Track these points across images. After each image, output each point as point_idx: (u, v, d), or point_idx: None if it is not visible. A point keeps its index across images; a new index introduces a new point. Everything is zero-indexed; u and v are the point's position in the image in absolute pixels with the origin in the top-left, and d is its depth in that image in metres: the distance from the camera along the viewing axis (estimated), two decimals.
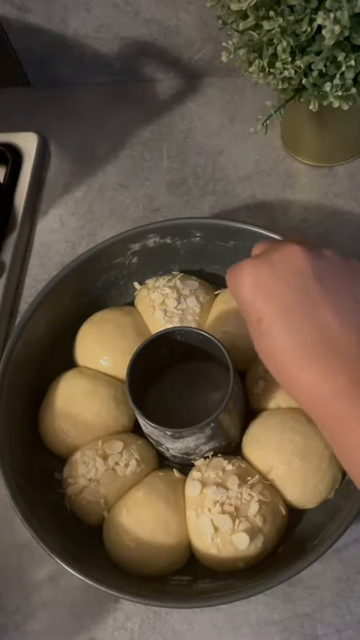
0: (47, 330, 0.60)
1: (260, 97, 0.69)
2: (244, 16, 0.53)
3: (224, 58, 0.55)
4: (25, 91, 0.84)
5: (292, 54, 0.52)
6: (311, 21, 0.50)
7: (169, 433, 0.50)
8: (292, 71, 0.52)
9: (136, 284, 0.64)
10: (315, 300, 0.39)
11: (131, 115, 0.80)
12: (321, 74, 0.53)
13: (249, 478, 0.51)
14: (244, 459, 0.54)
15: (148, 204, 0.73)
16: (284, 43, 0.51)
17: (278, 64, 0.53)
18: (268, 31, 0.51)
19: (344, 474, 0.53)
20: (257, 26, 0.52)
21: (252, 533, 0.48)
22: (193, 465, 0.54)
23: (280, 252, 0.40)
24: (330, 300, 0.38)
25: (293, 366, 0.38)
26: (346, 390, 0.36)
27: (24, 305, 0.68)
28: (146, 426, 0.51)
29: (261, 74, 0.54)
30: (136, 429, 0.56)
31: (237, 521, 0.48)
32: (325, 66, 0.52)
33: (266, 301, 0.39)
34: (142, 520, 0.51)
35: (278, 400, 0.55)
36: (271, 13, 0.50)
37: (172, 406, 0.57)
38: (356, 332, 0.38)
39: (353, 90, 0.53)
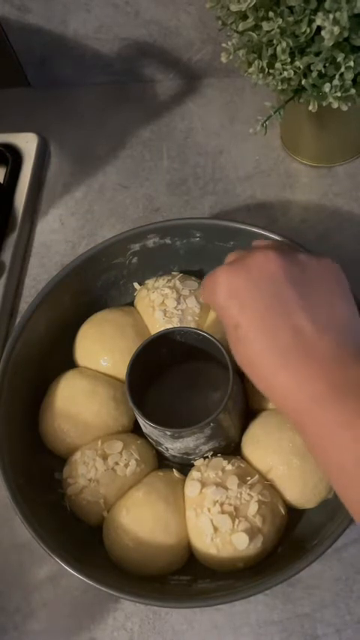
0: (47, 330, 0.60)
1: (260, 97, 0.69)
2: (244, 16, 0.53)
3: (224, 59, 0.55)
4: (25, 91, 0.84)
5: (292, 55, 0.52)
6: (310, 22, 0.50)
7: (168, 433, 0.50)
8: (292, 72, 0.52)
9: (136, 284, 0.64)
10: (289, 305, 0.39)
11: (131, 115, 0.80)
12: (320, 75, 0.53)
13: (248, 478, 0.51)
14: (243, 459, 0.54)
15: (148, 204, 0.73)
16: (284, 44, 0.51)
17: (278, 65, 0.53)
18: (268, 31, 0.51)
19: None
20: (257, 27, 0.52)
21: (251, 533, 0.48)
22: (192, 465, 0.54)
23: (253, 258, 0.41)
24: (304, 305, 0.39)
25: (270, 372, 0.39)
26: (324, 394, 0.36)
27: (24, 305, 0.68)
28: (146, 426, 0.51)
29: (260, 75, 0.54)
30: (135, 429, 0.57)
31: (236, 521, 0.49)
32: (325, 67, 0.52)
33: (241, 307, 0.40)
34: (141, 520, 0.51)
35: None
36: (271, 14, 0.50)
37: (171, 406, 0.57)
38: (331, 335, 0.38)
39: (352, 91, 0.53)
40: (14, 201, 0.73)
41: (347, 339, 0.39)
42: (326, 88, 0.53)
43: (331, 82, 0.53)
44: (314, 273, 0.41)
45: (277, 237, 0.58)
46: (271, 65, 0.53)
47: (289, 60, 0.52)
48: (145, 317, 0.61)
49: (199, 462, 0.53)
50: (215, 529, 0.49)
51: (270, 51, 0.53)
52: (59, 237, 0.72)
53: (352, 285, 0.54)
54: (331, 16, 0.48)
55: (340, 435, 0.35)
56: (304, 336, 0.38)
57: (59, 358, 0.60)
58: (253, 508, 0.49)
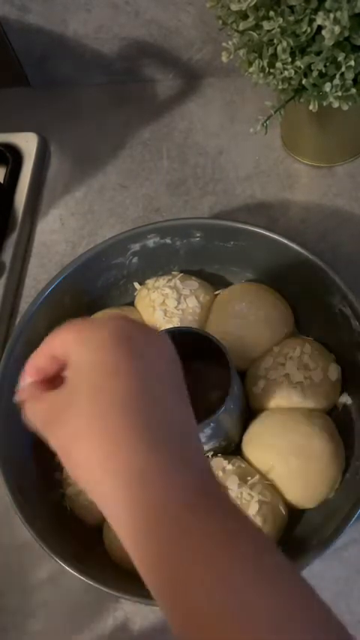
0: (47, 330, 0.59)
1: (260, 97, 0.69)
2: (244, 16, 0.53)
3: (224, 59, 0.55)
4: (25, 91, 0.84)
5: (292, 54, 0.52)
6: (311, 21, 0.50)
7: None
8: (292, 71, 0.52)
9: (136, 284, 0.64)
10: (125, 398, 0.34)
11: (131, 115, 0.80)
12: (321, 74, 0.53)
13: (249, 478, 0.51)
14: (244, 459, 0.54)
15: (148, 205, 0.73)
16: (284, 44, 0.51)
17: (278, 65, 0.53)
18: (268, 31, 0.51)
19: (344, 474, 0.53)
20: (257, 26, 0.52)
21: None
22: None
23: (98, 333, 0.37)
24: (141, 397, 0.34)
25: (93, 476, 0.34)
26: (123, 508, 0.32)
27: (24, 305, 0.68)
28: None
29: (261, 74, 0.54)
30: None
31: None
32: (325, 66, 0.52)
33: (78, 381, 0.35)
34: None
35: (278, 400, 0.55)
36: (271, 13, 0.50)
37: None
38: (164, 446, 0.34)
39: (353, 90, 0.53)
40: (14, 201, 0.73)
41: (182, 445, 0.34)
42: (327, 87, 0.53)
43: (331, 81, 0.53)
44: (157, 364, 0.37)
45: (277, 237, 0.58)
46: (271, 65, 0.53)
47: (289, 59, 0.52)
48: (146, 317, 0.61)
49: None
50: None
51: (270, 50, 0.52)
52: (59, 237, 0.72)
53: (352, 285, 0.55)
54: (331, 15, 0.47)
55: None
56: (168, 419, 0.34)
57: None
58: (253, 508, 0.49)
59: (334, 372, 0.56)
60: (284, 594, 0.30)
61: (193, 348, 0.55)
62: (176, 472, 0.33)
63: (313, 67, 0.52)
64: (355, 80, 0.53)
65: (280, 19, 0.50)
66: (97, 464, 0.33)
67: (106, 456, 0.33)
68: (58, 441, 0.36)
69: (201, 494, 0.33)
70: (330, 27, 0.48)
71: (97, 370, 0.35)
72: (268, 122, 0.58)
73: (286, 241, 0.58)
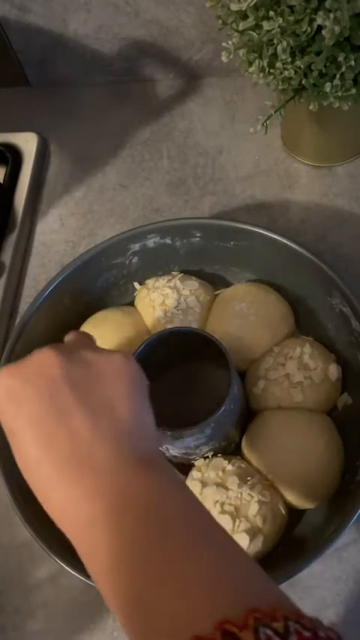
0: (47, 330, 0.60)
1: (260, 97, 0.69)
2: (244, 16, 0.53)
3: (224, 59, 0.55)
4: (25, 91, 0.84)
5: (292, 54, 0.52)
6: (311, 21, 0.50)
7: (169, 433, 0.50)
8: (292, 71, 0.52)
9: (136, 284, 0.64)
10: (67, 408, 0.36)
11: (131, 115, 0.80)
12: (321, 74, 0.53)
13: (249, 478, 0.51)
14: (244, 459, 0.54)
15: (148, 204, 0.73)
16: (284, 44, 0.51)
17: (278, 65, 0.53)
18: (268, 31, 0.51)
19: (344, 474, 0.53)
20: (257, 26, 0.52)
21: (252, 533, 0.48)
22: (193, 465, 0.54)
23: (35, 358, 0.38)
24: (81, 408, 0.36)
25: (46, 486, 0.35)
26: (99, 515, 0.33)
27: (24, 305, 0.68)
28: None
29: (261, 74, 0.54)
30: None
31: (237, 521, 0.48)
32: (325, 66, 0.52)
33: (17, 412, 0.36)
34: None
35: (278, 400, 0.55)
36: (271, 13, 0.50)
37: (171, 406, 0.56)
38: (109, 442, 0.35)
39: (353, 90, 0.53)
40: (14, 201, 0.73)
41: (128, 446, 0.35)
42: (327, 87, 0.53)
43: (331, 81, 0.53)
44: (100, 374, 0.38)
45: (277, 237, 0.58)
46: (271, 64, 0.53)
47: (289, 59, 0.52)
48: (146, 317, 0.61)
49: (199, 462, 0.53)
50: None
51: (270, 50, 0.52)
52: (59, 237, 0.72)
53: (352, 285, 0.55)
54: (331, 15, 0.47)
55: (117, 566, 0.32)
56: (80, 444, 0.35)
57: None
58: (253, 508, 0.49)
59: (334, 372, 0.56)
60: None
61: (193, 348, 0.55)
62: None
63: (313, 67, 0.52)
64: (355, 80, 0.53)
65: (280, 19, 0.50)
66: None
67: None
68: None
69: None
70: (330, 27, 0.48)
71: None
72: (268, 122, 0.58)
73: (286, 241, 0.58)
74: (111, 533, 0.32)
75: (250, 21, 0.52)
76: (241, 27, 0.53)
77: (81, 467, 0.34)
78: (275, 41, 0.51)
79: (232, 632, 0.26)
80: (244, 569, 0.32)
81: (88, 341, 0.44)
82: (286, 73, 0.53)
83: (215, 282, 0.64)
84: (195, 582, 0.30)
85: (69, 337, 0.45)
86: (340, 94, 0.53)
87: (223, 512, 0.49)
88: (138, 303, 0.63)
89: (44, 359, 0.38)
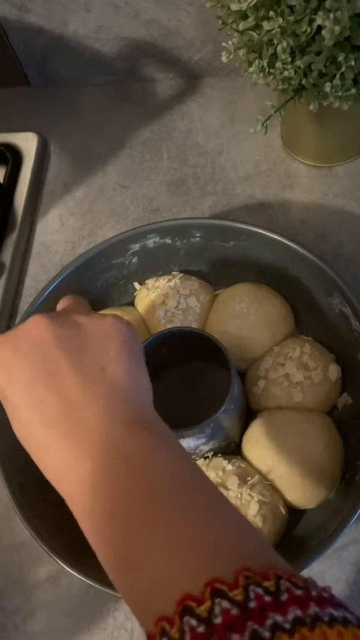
0: None
1: (260, 97, 0.69)
2: (244, 16, 0.53)
3: (224, 59, 0.55)
4: (25, 91, 0.84)
5: (292, 54, 0.52)
6: (311, 21, 0.50)
7: None
8: (292, 71, 0.52)
9: (136, 284, 0.64)
10: (57, 371, 0.36)
11: (131, 115, 0.80)
12: (321, 74, 0.53)
13: (249, 478, 0.51)
14: (244, 459, 0.54)
15: (148, 205, 0.73)
16: (284, 44, 0.51)
17: (278, 65, 0.53)
18: (268, 31, 0.51)
19: (344, 474, 0.53)
20: (257, 26, 0.52)
21: None
22: None
23: (23, 326, 0.38)
24: (73, 371, 0.36)
25: (40, 449, 0.36)
26: (90, 477, 0.33)
27: (24, 305, 0.68)
28: None
29: (261, 74, 0.54)
30: None
31: None
32: (325, 66, 0.52)
33: (8, 378, 0.37)
34: None
35: (278, 400, 0.55)
36: (271, 13, 0.50)
37: (171, 406, 0.56)
38: (100, 403, 0.35)
39: (353, 90, 0.53)
40: (14, 201, 0.73)
41: (120, 407, 0.36)
42: (327, 87, 0.53)
43: (331, 81, 0.53)
44: (90, 336, 0.38)
45: (277, 237, 0.58)
46: (271, 65, 0.53)
47: (289, 59, 0.52)
48: (146, 317, 0.61)
49: (199, 462, 0.53)
50: None
51: (270, 50, 0.52)
52: (59, 237, 0.72)
53: (352, 285, 0.55)
54: (331, 15, 0.47)
55: (109, 526, 0.32)
56: (72, 403, 0.35)
57: None
58: (253, 508, 0.49)
59: (334, 372, 0.56)
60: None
61: (193, 348, 0.55)
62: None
63: (313, 67, 0.52)
64: (355, 80, 0.53)
65: (280, 19, 0.50)
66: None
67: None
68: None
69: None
70: (330, 27, 0.48)
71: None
72: (268, 122, 0.58)
73: (286, 241, 0.58)
74: (102, 492, 0.33)
75: (250, 21, 0.52)
76: (241, 27, 0.53)
77: (71, 428, 0.35)
78: (275, 41, 0.51)
79: (221, 590, 0.26)
80: (238, 530, 0.32)
81: (81, 307, 0.44)
82: (286, 73, 0.53)
83: (215, 282, 0.64)
84: (186, 542, 0.30)
85: (62, 302, 0.45)
86: (340, 93, 0.53)
87: None
88: (138, 303, 0.63)
89: (33, 325, 0.38)
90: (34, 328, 0.38)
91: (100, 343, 0.38)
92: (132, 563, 0.31)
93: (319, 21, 0.48)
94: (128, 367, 0.38)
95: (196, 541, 0.30)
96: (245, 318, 0.58)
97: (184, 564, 0.29)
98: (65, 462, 0.34)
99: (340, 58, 0.51)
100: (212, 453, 0.53)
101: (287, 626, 0.25)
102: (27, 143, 0.77)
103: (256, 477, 0.51)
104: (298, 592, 0.26)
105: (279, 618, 0.25)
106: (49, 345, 0.37)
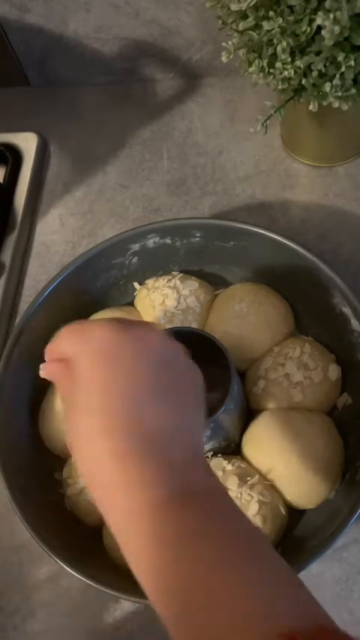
0: (47, 330, 0.60)
1: (260, 97, 0.69)
2: (244, 16, 0.53)
3: (224, 59, 0.55)
4: (25, 91, 0.84)
5: (292, 54, 0.52)
6: (311, 21, 0.50)
7: None
8: (292, 71, 0.52)
9: (136, 284, 0.64)
10: (163, 389, 0.37)
11: (131, 115, 0.80)
12: (321, 74, 0.53)
13: (249, 478, 0.51)
14: (244, 459, 0.54)
15: (148, 205, 0.73)
16: (284, 44, 0.51)
17: (278, 65, 0.53)
18: (268, 31, 0.51)
19: (344, 474, 0.53)
20: (257, 26, 0.52)
21: None
22: None
23: (136, 331, 0.39)
24: (175, 397, 0.37)
25: (98, 459, 0.35)
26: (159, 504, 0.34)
27: (24, 305, 0.68)
28: None
29: (261, 74, 0.54)
30: None
31: None
32: (325, 66, 0.52)
33: (116, 371, 0.37)
34: None
35: (278, 400, 0.55)
36: (271, 13, 0.50)
37: None
38: (186, 439, 0.36)
39: (353, 90, 0.53)
40: (14, 201, 0.73)
41: (197, 449, 0.38)
42: (327, 87, 0.53)
43: (331, 81, 0.53)
44: (179, 373, 0.39)
45: (277, 237, 0.58)
46: (271, 64, 0.53)
47: (289, 59, 0.52)
48: (146, 317, 0.61)
49: None
50: None
51: (270, 50, 0.52)
52: (59, 237, 0.72)
53: (352, 285, 0.55)
54: (331, 15, 0.47)
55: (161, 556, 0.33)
56: (163, 431, 0.36)
57: None
58: (253, 508, 0.49)
59: (334, 372, 0.56)
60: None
61: (193, 348, 0.55)
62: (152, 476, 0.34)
63: (312, 67, 0.52)
64: (355, 80, 0.53)
65: (280, 19, 0.50)
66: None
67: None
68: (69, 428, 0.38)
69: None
70: (330, 27, 0.48)
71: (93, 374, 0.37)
72: (268, 122, 0.58)
73: (286, 241, 0.58)
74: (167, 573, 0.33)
75: (250, 21, 0.52)
76: (241, 27, 0.53)
77: (154, 454, 0.34)
78: (275, 41, 0.51)
79: None
80: (299, 586, 0.33)
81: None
82: (285, 73, 0.53)
83: (215, 282, 0.64)
84: (262, 587, 0.31)
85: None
86: (340, 94, 0.53)
87: None
88: (138, 303, 0.63)
89: (149, 338, 0.39)
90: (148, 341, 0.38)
91: (192, 389, 0.39)
92: (203, 602, 0.31)
93: (318, 21, 0.48)
94: (196, 415, 0.39)
95: (270, 586, 0.31)
96: (245, 318, 0.58)
97: (259, 607, 0.30)
98: (126, 483, 0.34)
99: (340, 58, 0.51)
100: (212, 453, 0.53)
101: None
102: (27, 143, 0.77)
103: (256, 477, 0.51)
104: None
105: None
106: (164, 363, 0.38)
